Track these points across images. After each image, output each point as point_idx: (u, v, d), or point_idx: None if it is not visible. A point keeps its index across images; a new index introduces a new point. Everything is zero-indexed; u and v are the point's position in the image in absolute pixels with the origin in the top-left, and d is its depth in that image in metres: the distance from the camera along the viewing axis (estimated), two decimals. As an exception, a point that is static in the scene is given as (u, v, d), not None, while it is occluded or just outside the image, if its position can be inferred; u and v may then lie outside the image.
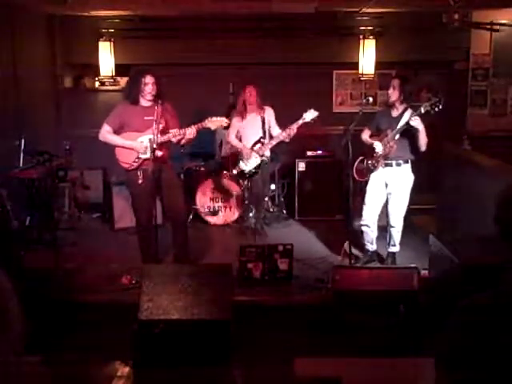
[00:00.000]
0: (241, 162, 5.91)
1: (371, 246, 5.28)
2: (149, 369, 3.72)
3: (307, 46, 7.23)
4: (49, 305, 4.09)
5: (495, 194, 1.35)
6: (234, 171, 6.03)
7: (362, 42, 7.28)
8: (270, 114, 5.91)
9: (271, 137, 5.82)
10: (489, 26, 6.51)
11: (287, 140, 5.57)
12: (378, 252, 5.37)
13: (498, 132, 7.15)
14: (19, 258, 4.82)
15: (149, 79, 4.69)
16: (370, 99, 5.13)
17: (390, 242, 5.17)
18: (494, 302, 1.19)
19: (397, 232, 5.10)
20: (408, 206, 5.09)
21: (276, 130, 5.84)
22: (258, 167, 5.85)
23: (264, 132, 5.84)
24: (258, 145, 5.81)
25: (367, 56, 7.28)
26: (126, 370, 3.72)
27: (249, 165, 5.87)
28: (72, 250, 5.52)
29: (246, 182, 6.24)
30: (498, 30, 6.45)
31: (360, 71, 7.37)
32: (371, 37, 7.25)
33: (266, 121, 5.86)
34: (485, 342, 1.13)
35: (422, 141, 4.75)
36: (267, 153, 5.85)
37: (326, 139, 7.20)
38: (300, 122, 5.39)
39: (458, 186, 5.41)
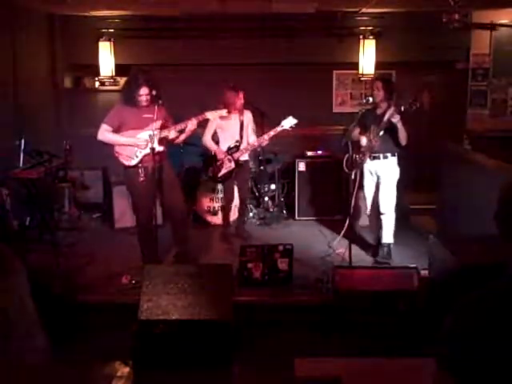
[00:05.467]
0: (214, 165, 5.77)
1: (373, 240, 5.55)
2: (149, 369, 3.72)
3: (307, 46, 7.23)
4: (49, 305, 4.08)
5: (495, 193, 1.35)
6: (209, 174, 5.88)
7: (361, 42, 7.28)
8: (248, 118, 5.84)
9: (247, 141, 5.79)
10: (489, 26, 6.51)
11: (263, 144, 5.78)
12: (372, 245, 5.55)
13: (497, 132, 7.14)
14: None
15: (143, 91, 4.70)
16: (370, 99, 5.15)
17: (382, 231, 5.29)
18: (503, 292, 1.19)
19: (388, 220, 5.23)
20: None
21: (252, 136, 5.81)
22: (231, 172, 5.74)
23: (241, 136, 5.75)
24: (234, 149, 5.71)
25: (367, 56, 7.28)
26: (126, 370, 3.72)
27: (222, 169, 5.74)
28: (72, 250, 5.52)
29: (218, 187, 6.19)
30: (500, 26, 6.46)
31: (360, 71, 7.37)
32: (371, 37, 7.25)
33: (244, 125, 5.77)
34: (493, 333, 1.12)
35: (402, 136, 5.03)
36: (243, 157, 5.79)
37: (326, 139, 7.20)
38: (278, 129, 5.50)
39: (457, 186, 5.42)
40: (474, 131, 7.24)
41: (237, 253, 4.81)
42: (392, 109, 5.08)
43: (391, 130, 5.04)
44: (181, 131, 4.90)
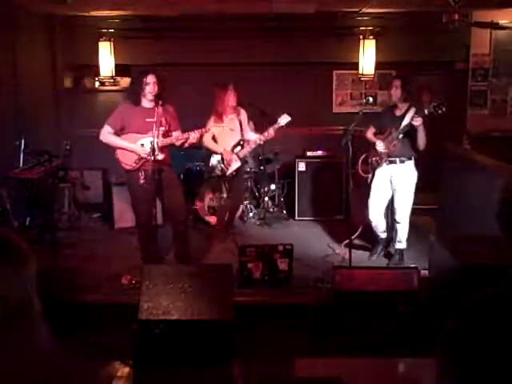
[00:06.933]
0: (222, 165, 5.79)
1: (384, 234, 5.41)
2: (149, 369, 3.72)
3: (307, 46, 7.23)
4: (49, 305, 4.08)
5: (496, 193, 1.34)
6: (217, 173, 5.89)
7: (361, 42, 7.28)
8: (244, 116, 5.85)
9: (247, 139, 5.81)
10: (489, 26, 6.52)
11: (262, 142, 5.69)
12: (386, 249, 5.49)
13: (497, 132, 7.15)
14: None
15: (150, 79, 4.69)
16: (370, 99, 5.17)
17: (396, 238, 5.26)
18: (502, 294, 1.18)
19: (402, 228, 5.17)
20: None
21: (249, 133, 5.82)
22: (237, 170, 5.80)
23: (242, 135, 5.77)
24: (238, 147, 5.73)
25: (367, 56, 7.28)
26: (126, 370, 3.72)
27: (230, 168, 5.76)
28: (72, 250, 5.52)
29: (226, 185, 6.15)
30: (502, 28, 6.47)
31: (360, 71, 7.37)
32: (371, 37, 7.26)
33: (242, 123, 5.78)
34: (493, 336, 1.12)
35: (421, 140, 4.87)
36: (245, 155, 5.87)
37: (326, 139, 7.20)
38: (276, 126, 5.44)
39: (457, 186, 5.41)
40: (474, 131, 7.24)
41: (237, 253, 4.81)
42: (413, 110, 4.90)
43: (409, 133, 4.88)
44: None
